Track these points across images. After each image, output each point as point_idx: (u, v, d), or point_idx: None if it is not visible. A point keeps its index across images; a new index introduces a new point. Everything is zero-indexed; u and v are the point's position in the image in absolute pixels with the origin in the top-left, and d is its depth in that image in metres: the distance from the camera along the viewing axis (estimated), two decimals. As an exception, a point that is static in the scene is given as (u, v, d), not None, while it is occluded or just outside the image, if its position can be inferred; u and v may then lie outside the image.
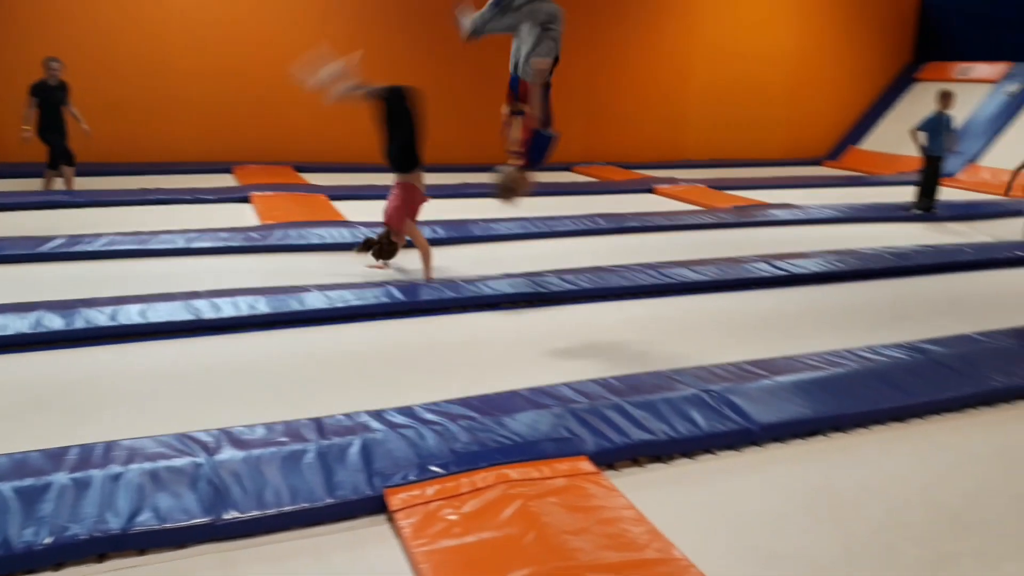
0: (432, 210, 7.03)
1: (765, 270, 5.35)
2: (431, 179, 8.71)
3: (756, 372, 3.49)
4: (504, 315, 4.48)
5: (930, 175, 8.01)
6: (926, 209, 8.05)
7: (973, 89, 11.52)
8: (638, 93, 11.49)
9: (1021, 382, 3.53)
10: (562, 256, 5.64)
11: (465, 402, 3.04)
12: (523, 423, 2.89)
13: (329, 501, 2.43)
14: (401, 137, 4.95)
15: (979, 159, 10.83)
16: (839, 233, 7.02)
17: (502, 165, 4.31)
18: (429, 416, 2.91)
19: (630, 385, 3.28)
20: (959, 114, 10.24)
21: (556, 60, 4.15)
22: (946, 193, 8.61)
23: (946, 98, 7.88)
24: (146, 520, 2.29)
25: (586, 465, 2.68)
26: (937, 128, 7.90)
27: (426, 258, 4.93)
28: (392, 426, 2.81)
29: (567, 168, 10.69)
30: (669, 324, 4.45)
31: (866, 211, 7.96)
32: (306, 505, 2.41)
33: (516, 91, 4.22)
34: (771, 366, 3.57)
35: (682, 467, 2.88)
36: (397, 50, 10.23)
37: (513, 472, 2.59)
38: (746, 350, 3.89)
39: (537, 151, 4.21)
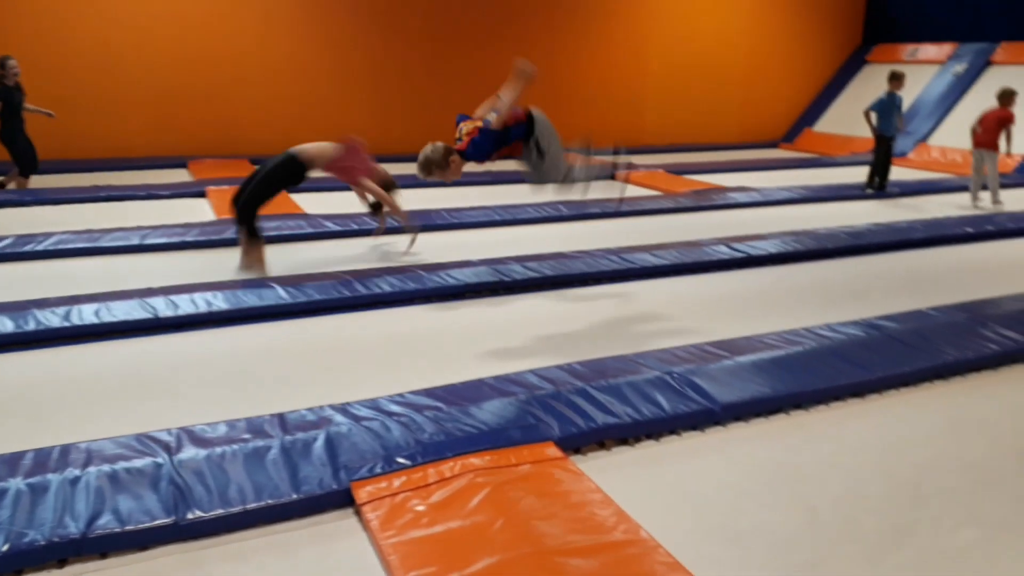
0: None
1: (724, 252, 5.41)
2: (391, 169, 8.64)
3: (718, 353, 3.54)
4: (468, 304, 4.47)
5: (882, 155, 8.18)
6: (879, 188, 8.22)
7: (921, 70, 11.76)
8: (596, 79, 11.50)
9: (972, 355, 3.63)
10: (525, 243, 5.65)
11: (430, 392, 3.03)
12: (489, 412, 2.89)
13: (295, 497, 2.41)
14: None
15: (928, 139, 11.07)
16: (796, 214, 7.14)
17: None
18: (394, 408, 2.89)
19: (594, 370, 3.30)
20: (908, 95, 10.45)
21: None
22: (897, 172, 8.79)
23: (897, 79, 8.04)
24: (107, 523, 2.24)
25: (553, 451, 2.69)
26: (889, 109, 8.06)
27: (393, 208, 5.27)
28: (357, 419, 2.80)
29: (527, 156, 10.71)
30: (632, 308, 4.48)
31: (821, 191, 8.09)
32: (271, 502, 2.39)
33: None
34: (732, 346, 3.62)
35: (647, 449, 2.90)
36: (349, 39, 10.10)
37: (480, 460, 2.60)
38: (708, 332, 3.95)
39: (478, 148, 4.12)
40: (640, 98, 11.93)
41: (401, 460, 2.57)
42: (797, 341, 3.70)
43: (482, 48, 10.65)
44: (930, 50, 12.09)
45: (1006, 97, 7.70)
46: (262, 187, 4.86)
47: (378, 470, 2.52)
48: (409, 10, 10.32)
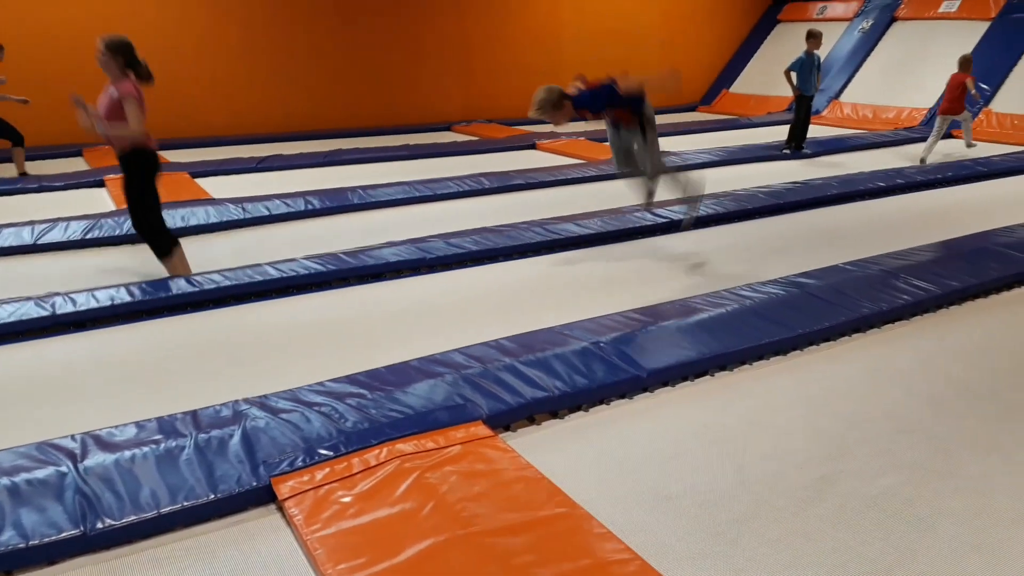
0: (305, 180, 6.82)
1: (647, 219, 5.43)
2: (302, 147, 8.41)
3: (643, 320, 3.54)
4: (390, 285, 4.36)
5: (803, 114, 8.33)
6: (797, 148, 8.38)
7: (830, 28, 12.00)
8: (512, 47, 11.37)
9: (886, 307, 3.73)
10: (447, 219, 5.55)
11: (352, 379, 2.94)
12: (415, 395, 2.83)
13: (213, 497, 2.30)
14: None
15: (840, 96, 11.35)
16: (717, 176, 7.20)
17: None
18: (315, 398, 2.79)
19: (522, 344, 3.26)
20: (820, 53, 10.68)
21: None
22: (813, 130, 8.97)
23: (814, 38, 8.14)
24: (9, 539, 2.10)
25: (481, 430, 2.64)
26: (808, 68, 8.18)
27: None
28: (275, 412, 2.69)
29: (446, 128, 10.54)
30: (558, 279, 4.46)
31: (740, 153, 8.21)
32: (188, 504, 2.28)
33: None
34: (657, 312, 3.63)
35: (577, 420, 2.89)
36: (253, 15, 9.64)
37: (407, 446, 2.53)
38: (634, 298, 3.95)
39: (595, 99, 4.48)
40: (558, 65, 11.84)
41: (324, 451, 2.49)
42: (720, 303, 3.73)
43: (393, 19, 10.39)
44: (838, 7, 12.36)
45: (966, 64, 8.13)
46: (133, 199, 4.15)
47: (299, 463, 2.43)
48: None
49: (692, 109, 12.88)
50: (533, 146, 9.00)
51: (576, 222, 5.30)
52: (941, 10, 11.03)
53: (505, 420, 2.77)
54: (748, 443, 2.72)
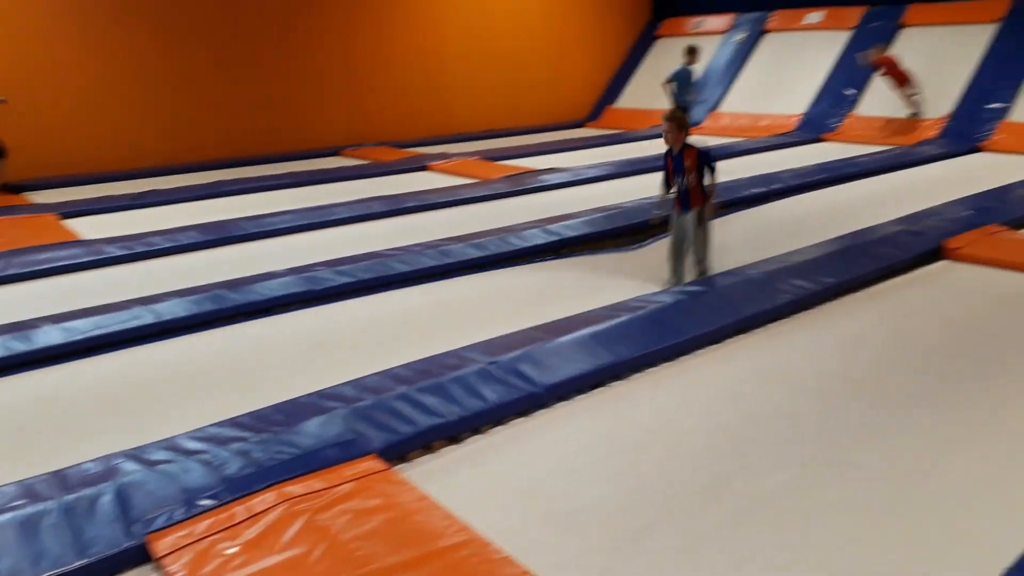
0: (187, 214, 6.52)
1: (540, 236, 5.45)
2: (182, 181, 8.04)
3: (539, 336, 3.54)
4: (277, 319, 4.18)
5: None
6: (679, 157, 8.64)
7: (706, 41, 12.48)
8: (399, 68, 11.26)
9: (769, 306, 3.86)
10: (337, 246, 5.41)
11: (235, 422, 2.80)
12: (303, 433, 2.71)
13: (82, 562, 2.13)
14: None
15: (719, 106, 11.81)
16: (606, 190, 7.35)
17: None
18: (194, 445, 2.64)
19: (417, 371, 3.20)
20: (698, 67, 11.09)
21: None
22: (694, 140, 9.27)
23: (691, 53, 8.45)
24: None
25: (375, 464, 2.56)
26: (686, 80, 8.47)
27: None
28: (151, 464, 2.52)
29: (335, 153, 10.34)
30: (454, 301, 4.41)
31: (627, 166, 8.40)
32: (54, 572, 2.09)
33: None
34: (553, 328, 3.64)
35: (475, 444, 2.84)
36: (120, 39, 9.19)
37: (296, 488, 2.42)
38: (533, 316, 3.93)
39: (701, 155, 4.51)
40: (445, 86, 11.87)
41: (205, 501, 2.34)
42: (613, 314, 3.77)
43: (273, 43, 10.13)
44: (713, 22, 12.87)
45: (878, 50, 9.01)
46: None
47: (178, 517, 2.28)
48: (183, 11, 9.51)
49: (580, 125, 13.12)
50: (424, 168, 8.94)
51: (471, 243, 5.27)
52: (806, 21, 11.65)
53: (400, 451, 2.69)
54: (645, 451, 2.74)
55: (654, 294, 4.06)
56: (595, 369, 3.24)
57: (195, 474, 2.47)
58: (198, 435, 2.71)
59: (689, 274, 4.38)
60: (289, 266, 4.74)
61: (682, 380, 3.29)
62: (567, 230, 5.57)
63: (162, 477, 2.46)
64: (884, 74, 9.39)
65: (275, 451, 2.60)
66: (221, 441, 2.66)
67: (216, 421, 2.84)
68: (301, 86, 10.43)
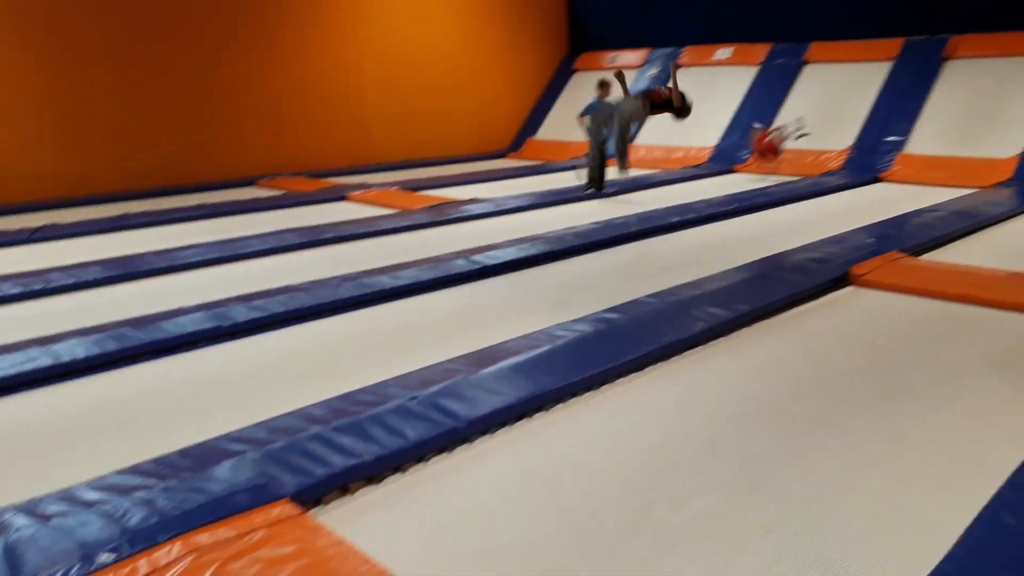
0: (89, 249, 6.23)
1: (462, 265, 5.43)
2: (84, 214, 7.67)
3: (461, 368, 3.49)
4: (184, 357, 3.99)
5: (597, 157, 8.78)
6: (599, 188, 8.80)
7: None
8: (315, 97, 11.11)
9: (685, 334, 3.92)
10: (250, 280, 5.25)
11: (138, 469, 2.64)
12: (211, 479, 2.58)
13: (-38, 633, 1.95)
14: None
15: (635, 139, 12.10)
16: (527, 220, 7.40)
17: None
18: (93, 496, 2.47)
19: (332, 409, 3.10)
20: (611, 99, 11.34)
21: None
22: (613, 171, 9.47)
23: (604, 87, 8.69)
24: None
25: (288, 509, 2.45)
26: (599, 113, 8.67)
27: None
28: (45, 518, 2.35)
29: (249, 183, 10.08)
30: (374, 335, 4.32)
31: (547, 196, 8.49)
32: (-71, 646, 1.91)
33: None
34: (475, 360, 3.60)
35: (394, 483, 2.76)
36: (12, 61, 8.74)
37: (203, 537, 2.29)
38: (454, 347, 3.88)
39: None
40: (365, 115, 11.78)
41: (104, 556, 2.19)
42: (535, 344, 3.76)
43: (182, 70, 9.84)
44: (627, 56, 13.23)
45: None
46: None
47: (75, 574, 2.12)
48: (84, 32, 9.09)
49: (501, 156, 13.23)
50: (343, 198, 8.82)
51: (391, 274, 5.19)
52: (716, 57, 12.11)
53: (315, 494, 2.59)
54: (567, 483, 2.71)
55: (572, 321, 4.07)
56: (517, 401, 3.20)
57: (94, 527, 2.31)
58: (98, 484, 2.54)
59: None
60: (199, 301, 4.57)
61: (604, 409, 3.29)
62: (488, 259, 5.56)
63: (57, 532, 2.29)
64: (761, 154, 9.82)
65: (181, 499, 2.46)
66: (123, 490, 2.50)
67: (118, 469, 2.67)
68: (213, 114, 10.16)
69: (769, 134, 9.52)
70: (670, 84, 8.75)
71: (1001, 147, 8.98)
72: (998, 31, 9.83)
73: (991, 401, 3.28)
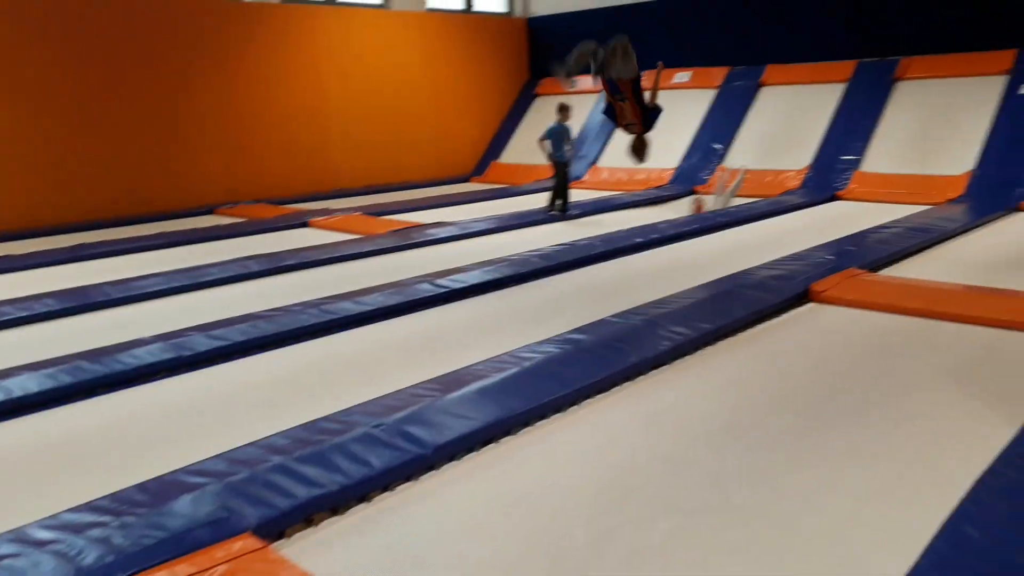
0: (43, 281, 6.08)
1: (428, 290, 5.40)
2: (37, 245, 7.50)
3: (425, 394, 3.45)
4: (142, 389, 3.89)
5: (560, 179, 8.85)
6: (562, 211, 8.86)
7: (583, 99, 12.96)
8: (277, 123, 11.04)
9: (651, 353, 3.93)
10: (210, 309, 5.16)
11: (93, 506, 2.56)
12: (170, 514, 2.50)
13: None
14: None
15: (598, 161, 12.23)
16: (491, 243, 7.40)
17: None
18: (45, 535, 2.38)
19: (295, 439, 3.04)
20: (577, 123, 11.47)
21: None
22: (576, 194, 9.55)
23: (563, 111, 8.81)
24: None
25: (250, 542, 2.38)
26: (560, 137, 8.76)
27: None
28: (-8, 560, 2.26)
29: (208, 211, 9.95)
30: (337, 362, 4.26)
31: (512, 220, 8.51)
32: None
33: (614, 88, 7.48)
34: (440, 384, 3.56)
35: (360, 513, 2.71)
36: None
37: (162, 575, 2.22)
38: (419, 373, 3.84)
39: (648, 122, 7.40)
40: (326, 142, 11.74)
41: (56, 599, 2.11)
42: (501, 367, 3.74)
43: (140, 95, 9.69)
44: (587, 81, 13.37)
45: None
46: None
47: (25, 619, 2.04)
48: (37, 59, 8.92)
49: (465, 180, 13.26)
50: (306, 224, 8.75)
51: (354, 300, 5.14)
52: (675, 80, 12.29)
53: (278, 527, 2.53)
54: (536, 507, 2.69)
55: (538, 343, 4.06)
56: (484, 426, 3.17)
57: (46, 568, 2.23)
58: (50, 523, 2.45)
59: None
60: (157, 332, 4.47)
61: (572, 431, 3.28)
62: (453, 283, 5.54)
63: (8, 574, 2.20)
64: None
65: (138, 536, 2.38)
66: (77, 528, 2.42)
67: (72, 506, 2.58)
68: (171, 142, 10.04)
69: (702, 208, 9.09)
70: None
71: (952, 165, 9.23)
72: (946, 53, 10.14)
73: (950, 413, 3.34)
